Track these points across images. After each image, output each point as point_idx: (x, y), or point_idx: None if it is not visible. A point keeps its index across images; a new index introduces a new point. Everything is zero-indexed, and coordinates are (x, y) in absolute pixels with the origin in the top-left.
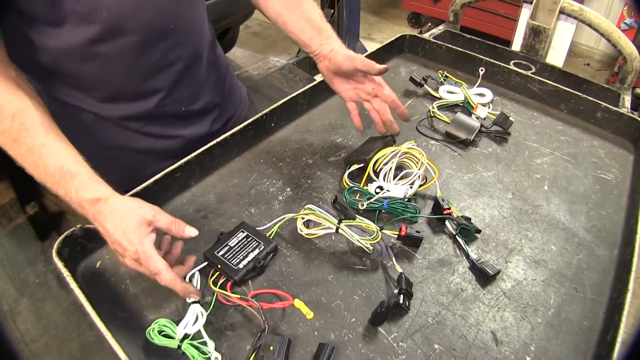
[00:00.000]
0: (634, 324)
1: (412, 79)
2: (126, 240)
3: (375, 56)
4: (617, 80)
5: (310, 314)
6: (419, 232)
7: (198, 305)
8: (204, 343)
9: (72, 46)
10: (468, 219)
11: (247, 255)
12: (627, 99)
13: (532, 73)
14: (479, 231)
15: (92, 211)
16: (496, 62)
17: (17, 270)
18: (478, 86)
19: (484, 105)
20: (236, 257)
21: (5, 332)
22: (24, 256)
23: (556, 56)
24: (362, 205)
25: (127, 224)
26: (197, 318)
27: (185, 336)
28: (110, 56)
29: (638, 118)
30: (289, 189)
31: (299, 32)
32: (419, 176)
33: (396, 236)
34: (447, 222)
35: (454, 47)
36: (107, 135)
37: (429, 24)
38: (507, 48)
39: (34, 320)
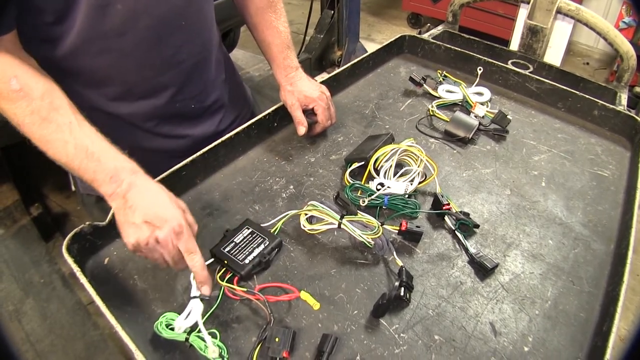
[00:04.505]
0: (634, 321)
1: (411, 79)
2: (169, 212)
3: (376, 56)
4: (614, 79)
5: (317, 305)
6: (419, 227)
7: (197, 299)
8: (212, 335)
9: (86, 40)
10: (467, 215)
11: (252, 251)
12: (623, 97)
13: (529, 72)
14: (477, 226)
15: (130, 179)
16: (494, 61)
17: (22, 271)
18: (476, 85)
19: (482, 104)
20: (242, 253)
21: (6, 336)
22: (29, 257)
23: (554, 55)
24: (364, 201)
25: (168, 200)
26: (196, 312)
27: (193, 328)
28: (123, 51)
29: (635, 116)
30: (292, 187)
31: (263, 52)
32: (418, 173)
33: (397, 231)
34: (446, 218)
35: (452, 47)
36: (119, 135)
37: (428, 24)
38: (505, 48)
39: (39, 320)
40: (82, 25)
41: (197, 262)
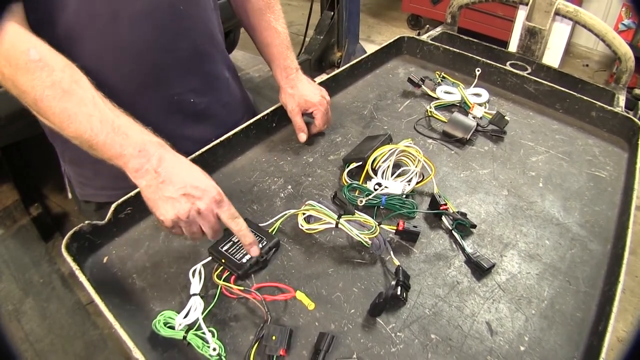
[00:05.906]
0: (633, 323)
1: (410, 80)
2: (205, 182)
3: (375, 58)
4: (613, 81)
5: (311, 305)
6: (416, 227)
7: (198, 297)
8: (210, 333)
9: (78, 24)
10: (464, 215)
11: None
12: (621, 99)
13: (528, 73)
14: (474, 226)
15: (158, 153)
16: (492, 62)
17: (22, 271)
18: (475, 86)
19: (480, 105)
20: (240, 252)
21: (6, 335)
22: (29, 257)
23: (552, 57)
24: (361, 201)
25: (199, 171)
26: (196, 309)
27: (191, 327)
28: (118, 35)
29: (632, 117)
30: (290, 187)
31: (262, 54)
32: (416, 173)
33: (394, 231)
34: (443, 218)
35: (451, 48)
36: None
37: (427, 25)
38: (503, 49)
39: (39, 319)
40: (73, 7)
41: (243, 225)
